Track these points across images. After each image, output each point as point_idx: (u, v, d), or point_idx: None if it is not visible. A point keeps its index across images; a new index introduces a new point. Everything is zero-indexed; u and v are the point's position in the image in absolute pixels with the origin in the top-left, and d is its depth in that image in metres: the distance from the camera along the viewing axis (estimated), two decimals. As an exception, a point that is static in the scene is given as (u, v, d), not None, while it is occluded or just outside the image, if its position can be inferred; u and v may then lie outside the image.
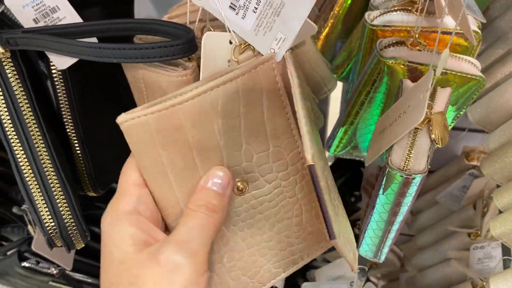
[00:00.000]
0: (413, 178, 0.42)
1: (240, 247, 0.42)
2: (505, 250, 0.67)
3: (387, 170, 0.42)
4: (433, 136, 0.42)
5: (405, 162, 0.42)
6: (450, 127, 0.58)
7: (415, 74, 0.49)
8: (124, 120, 0.36)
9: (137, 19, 0.42)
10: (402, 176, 0.42)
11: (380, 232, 0.48)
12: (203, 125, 0.37)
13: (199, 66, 0.39)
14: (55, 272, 0.86)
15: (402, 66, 0.48)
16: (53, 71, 0.48)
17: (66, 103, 0.49)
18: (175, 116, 0.36)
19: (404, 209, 0.44)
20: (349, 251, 0.40)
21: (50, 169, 0.46)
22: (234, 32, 0.37)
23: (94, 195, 0.55)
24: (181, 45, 0.36)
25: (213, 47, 0.38)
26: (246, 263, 0.43)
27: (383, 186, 0.44)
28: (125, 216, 0.37)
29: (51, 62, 0.47)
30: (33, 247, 0.81)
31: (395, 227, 0.47)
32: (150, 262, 0.35)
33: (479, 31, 0.50)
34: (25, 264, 0.84)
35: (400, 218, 0.45)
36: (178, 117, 0.36)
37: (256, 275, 0.44)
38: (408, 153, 0.42)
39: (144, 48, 0.38)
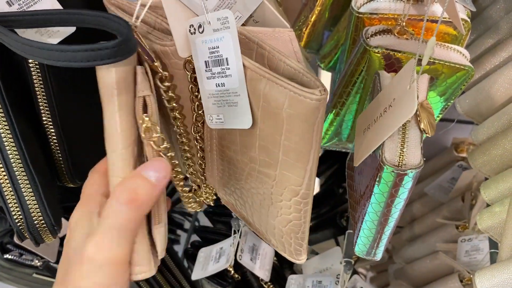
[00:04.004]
0: (409, 173, 0.40)
1: None
2: (492, 242, 0.66)
3: (383, 168, 0.40)
4: (422, 126, 0.40)
5: (400, 157, 0.40)
6: (438, 118, 0.56)
7: (390, 61, 0.47)
8: None
9: (84, 11, 0.37)
10: (396, 172, 0.40)
11: (374, 229, 0.46)
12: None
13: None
14: (38, 264, 0.84)
15: (378, 55, 0.46)
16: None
17: (42, 90, 0.47)
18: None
19: (400, 204, 0.43)
20: None
21: (17, 160, 0.44)
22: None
23: (73, 186, 0.53)
24: (110, 49, 0.31)
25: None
26: None
27: (377, 183, 0.42)
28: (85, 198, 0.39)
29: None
30: (15, 239, 0.79)
31: (391, 223, 0.45)
32: (75, 258, 0.35)
33: (468, 20, 0.49)
34: (7, 256, 0.82)
35: (395, 213, 0.44)
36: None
37: None
38: (401, 148, 0.40)
39: (70, 51, 0.33)
